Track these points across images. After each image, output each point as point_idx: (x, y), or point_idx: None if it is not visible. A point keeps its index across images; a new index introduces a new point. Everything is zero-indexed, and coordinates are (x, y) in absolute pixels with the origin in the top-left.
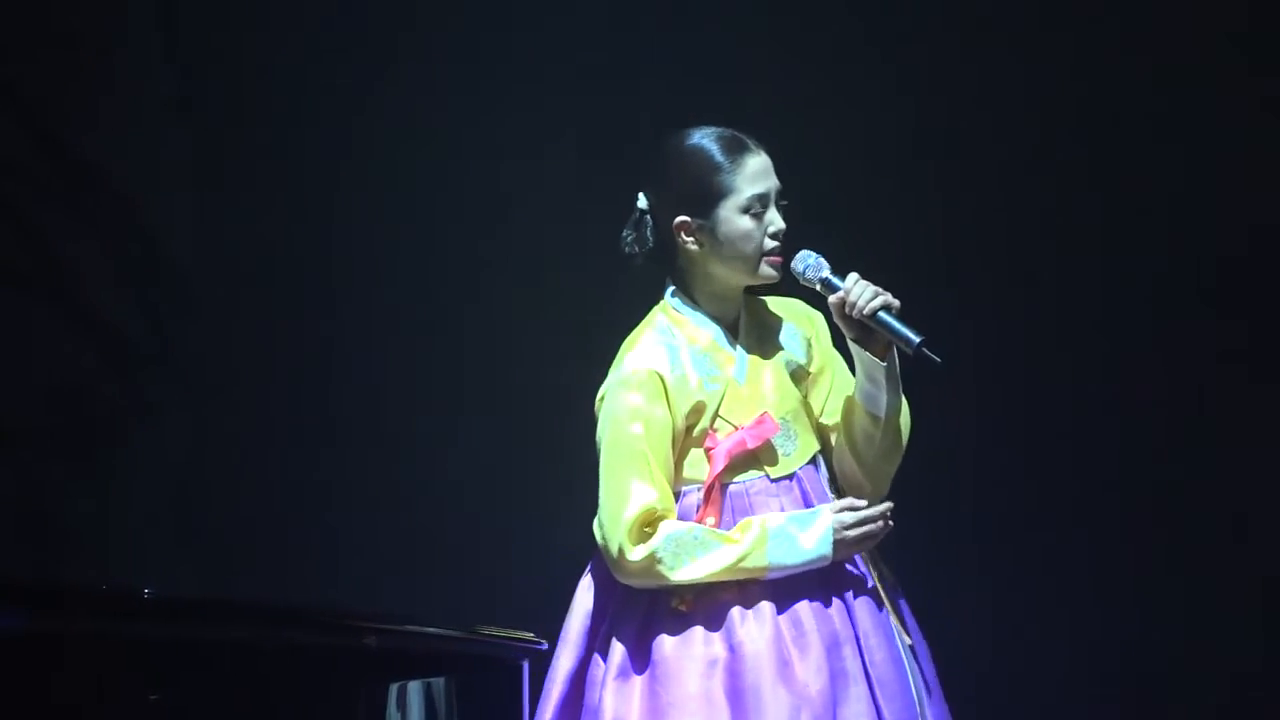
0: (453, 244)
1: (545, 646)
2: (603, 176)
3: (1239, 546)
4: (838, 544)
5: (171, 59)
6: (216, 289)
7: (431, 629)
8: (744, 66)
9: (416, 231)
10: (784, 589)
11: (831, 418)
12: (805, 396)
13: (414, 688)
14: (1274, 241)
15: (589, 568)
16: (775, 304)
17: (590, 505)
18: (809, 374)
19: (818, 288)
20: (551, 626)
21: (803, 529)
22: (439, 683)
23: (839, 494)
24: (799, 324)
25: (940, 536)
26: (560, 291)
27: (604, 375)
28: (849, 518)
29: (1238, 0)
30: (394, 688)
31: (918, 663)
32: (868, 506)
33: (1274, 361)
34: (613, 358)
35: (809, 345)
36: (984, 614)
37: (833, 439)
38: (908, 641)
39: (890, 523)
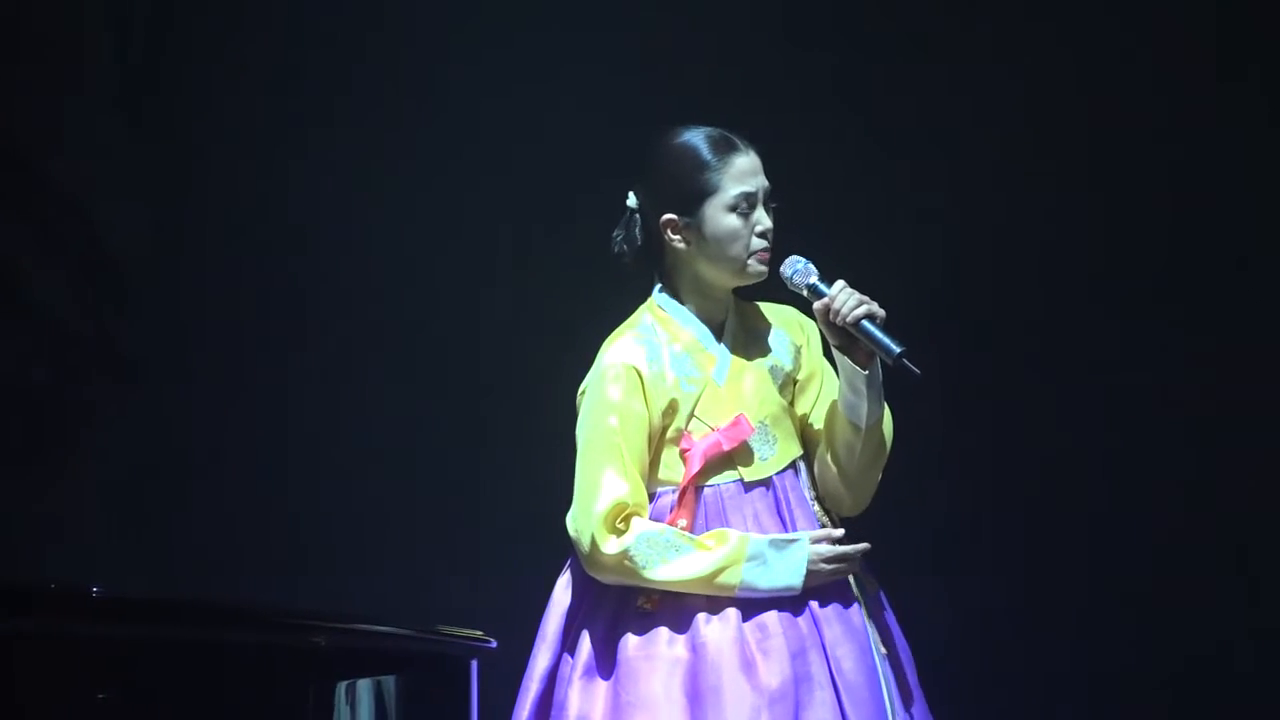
0: (407, 243)
1: (494, 645)
2: (585, 177)
3: (1206, 545)
4: (810, 574)
5: (121, 59)
6: (162, 288)
7: (379, 627)
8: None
9: (366, 231)
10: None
11: (816, 426)
12: (790, 403)
13: (362, 686)
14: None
15: (567, 566)
16: (767, 310)
17: (556, 507)
18: (795, 381)
19: (804, 293)
20: (514, 625)
21: (780, 555)
22: (387, 681)
23: (820, 504)
24: (789, 331)
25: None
26: (535, 293)
27: (582, 375)
28: (825, 550)
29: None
30: (342, 686)
31: (898, 671)
32: (845, 538)
33: (1242, 361)
34: (594, 356)
35: (798, 353)
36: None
37: (816, 448)
38: (883, 651)
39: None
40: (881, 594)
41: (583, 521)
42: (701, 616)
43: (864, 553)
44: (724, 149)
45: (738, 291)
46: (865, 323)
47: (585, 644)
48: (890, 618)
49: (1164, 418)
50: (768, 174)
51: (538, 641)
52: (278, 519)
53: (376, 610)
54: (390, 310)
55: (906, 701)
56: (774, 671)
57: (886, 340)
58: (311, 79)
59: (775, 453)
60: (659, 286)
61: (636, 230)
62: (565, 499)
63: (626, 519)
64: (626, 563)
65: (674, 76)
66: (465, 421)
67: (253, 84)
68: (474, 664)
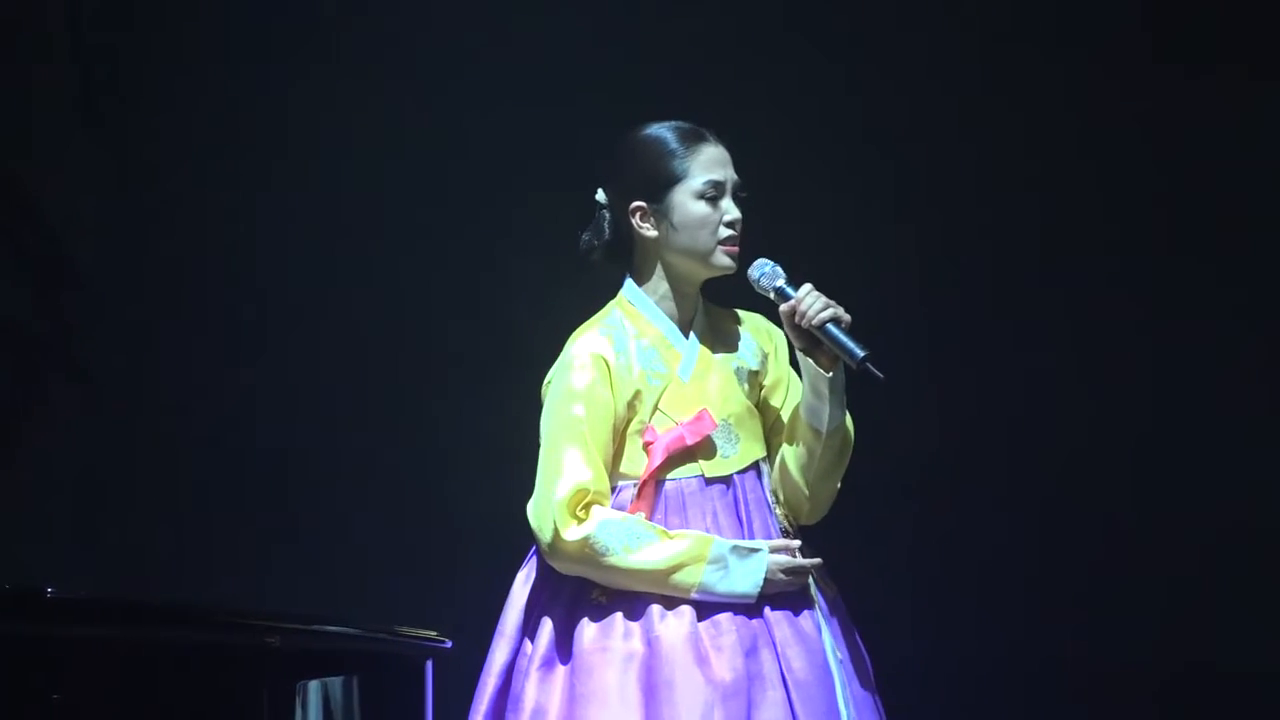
0: (365, 244)
1: (450, 645)
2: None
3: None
4: (766, 583)
5: (78, 58)
6: (118, 289)
7: (335, 628)
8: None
9: (321, 232)
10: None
11: (778, 433)
12: (755, 405)
13: (318, 687)
14: None
15: (526, 561)
16: (738, 315)
17: (514, 506)
18: (761, 385)
19: (771, 295)
20: (470, 626)
21: (741, 563)
22: (343, 682)
23: (782, 508)
24: (757, 336)
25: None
26: (494, 289)
27: (545, 369)
28: (783, 561)
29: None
30: (297, 687)
31: (854, 676)
32: (801, 551)
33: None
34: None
35: (764, 358)
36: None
37: (777, 453)
38: (839, 656)
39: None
40: (839, 599)
41: (544, 508)
42: (656, 611)
43: (818, 566)
44: (692, 139)
45: (708, 293)
46: (830, 326)
47: (542, 637)
48: (848, 623)
49: (1166, 417)
50: (739, 169)
51: (496, 636)
52: (232, 520)
53: (332, 611)
54: (346, 310)
55: (861, 706)
56: (727, 667)
57: (851, 344)
58: (271, 78)
59: (738, 451)
60: (628, 283)
61: (605, 225)
62: (523, 498)
63: (587, 506)
64: (588, 550)
65: (650, 76)
66: (424, 420)
67: (211, 84)
68: (429, 664)
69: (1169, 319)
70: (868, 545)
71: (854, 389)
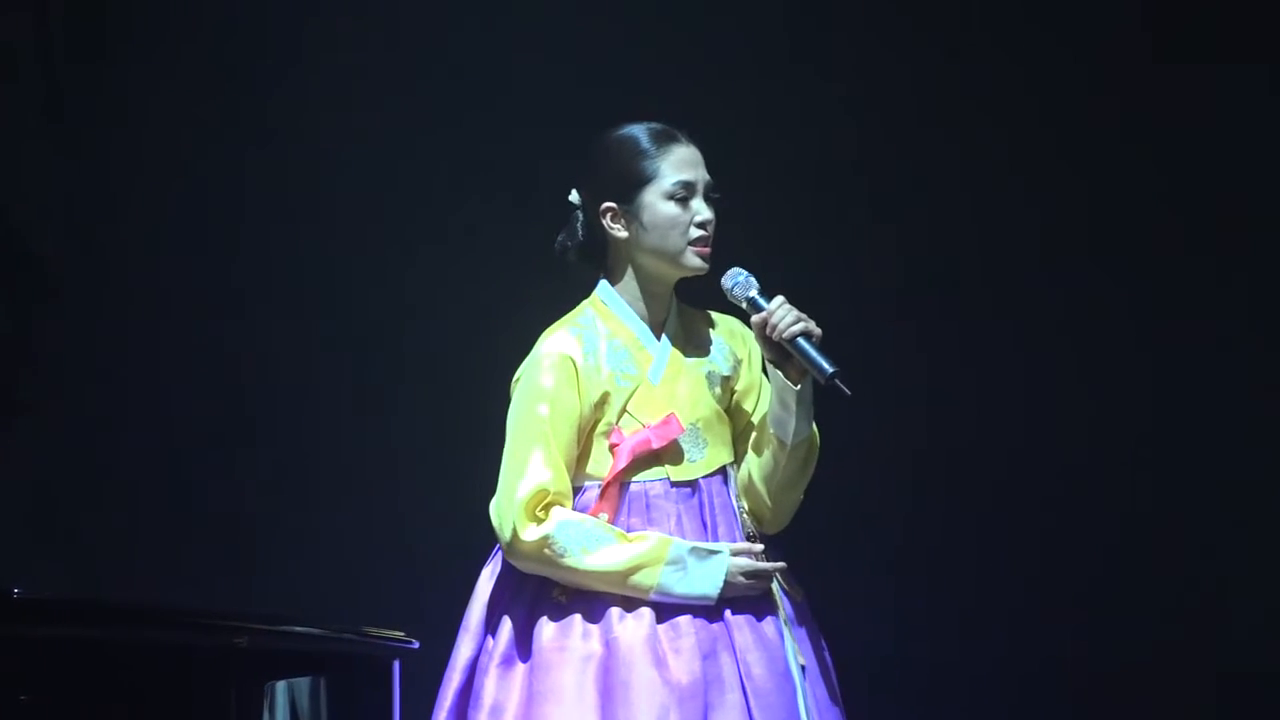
0: (330, 243)
1: (417, 645)
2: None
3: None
4: (727, 585)
5: (43, 58)
6: (82, 286)
7: (302, 628)
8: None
9: (283, 230)
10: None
11: (747, 439)
12: (726, 410)
13: (285, 687)
14: None
15: (491, 557)
16: (712, 317)
17: (481, 506)
18: (733, 390)
19: (744, 305)
20: (437, 626)
21: (700, 564)
22: (311, 682)
23: (747, 514)
24: (731, 341)
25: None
26: (463, 290)
27: (513, 368)
28: (745, 564)
29: None
30: (265, 687)
31: (818, 682)
32: (764, 555)
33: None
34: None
35: (738, 364)
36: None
37: (743, 460)
38: (802, 661)
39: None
40: (805, 604)
41: (504, 507)
42: (615, 612)
43: (781, 570)
44: (663, 139)
45: (682, 295)
46: (801, 340)
47: (503, 634)
48: (815, 630)
49: (1166, 417)
50: (712, 170)
51: (461, 632)
52: (198, 520)
53: (299, 611)
54: (313, 309)
55: (825, 714)
56: (684, 670)
57: (820, 359)
58: (238, 80)
59: (705, 456)
60: (601, 283)
61: (579, 226)
62: (491, 497)
63: (547, 507)
64: (546, 550)
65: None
66: (394, 421)
67: (177, 84)
68: (396, 665)
69: (1169, 319)
70: (867, 546)
71: (854, 389)
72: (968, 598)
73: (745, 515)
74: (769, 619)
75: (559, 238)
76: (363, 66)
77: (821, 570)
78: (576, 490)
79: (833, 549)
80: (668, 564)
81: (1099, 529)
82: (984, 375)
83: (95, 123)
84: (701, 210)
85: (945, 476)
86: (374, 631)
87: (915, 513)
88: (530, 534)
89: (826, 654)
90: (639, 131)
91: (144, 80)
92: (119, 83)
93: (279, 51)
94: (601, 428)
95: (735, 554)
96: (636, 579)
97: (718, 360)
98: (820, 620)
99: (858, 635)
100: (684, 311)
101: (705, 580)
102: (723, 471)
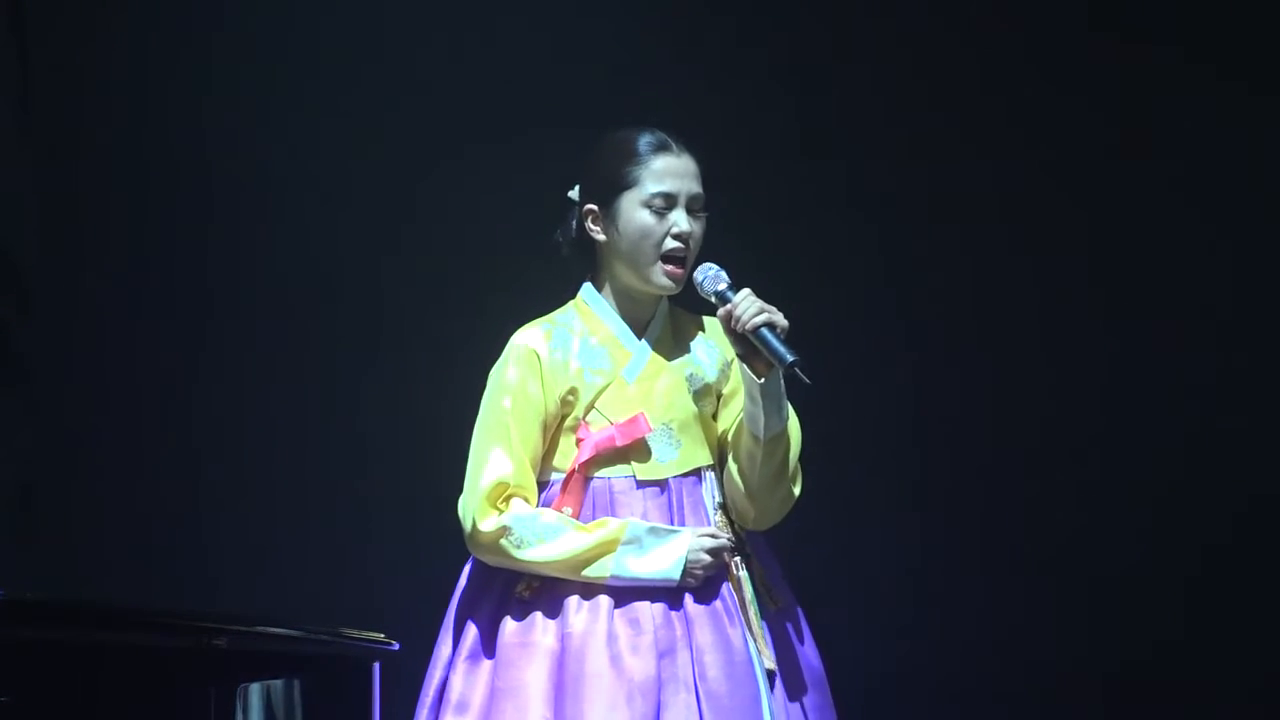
0: (306, 239)
1: (397, 647)
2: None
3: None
4: (689, 568)
5: (12, 46)
6: (57, 290)
7: (281, 630)
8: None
9: (257, 236)
10: (627, 590)
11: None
12: (708, 412)
13: (264, 689)
14: None
15: (470, 556)
16: (704, 321)
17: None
18: (719, 393)
19: (713, 299)
20: (418, 628)
21: (659, 544)
22: (290, 684)
23: (724, 513)
24: (721, 344)
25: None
26: (438, 287)
27: (488, 366)
28: (709, 544)
29: None
30: (243, 689)
31: (800, 688)
32: (728, 540)
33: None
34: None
35: (726, 366)
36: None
37: (727, 461)
38: (769, 666)
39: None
40: (790, 611)
41: (468, 499)
42: (573, 606)
43: (764, 577)
44: (654, 147)
45: (680, 297)
46: (764, 330)
47: (470, 630)
48: (796, 637)
49: (1166, 417)
50: (707, 184)
51: (442, 629)
52: (176, 521)
53: (278, 613)
54: (287, 307)
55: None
56: (640, 667)
57: (780, 348)
58: (214, 65)
59: (677, 456)
60: (586, 283)
61: (572, 222)
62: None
63: (508, 499)
64: (503, 541)
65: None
66: (378, 423)
67: (148, 73)
68: (376, 666)
69: (1168, 318)
70: (866, 546)
71: (853, 390)
72: (967, 598)
73: (719, 516)
74: (736, 622)
75: (556, 230)
76: (343, 66)
77: (818, 578)
78: (544, 485)
79: (831, 555)
80: (624, 543)
81: (1108, 535)
82: (984, 376)
83: (64, 107)
84: (680, 222)
85: (946, 478)
86: (353, 633)
87: (912, 519)
88: (487, 524)
89: (815, 661)
90: (632, 137)
91: (115, 63)
92: (88, 67)
93: (258, 51)
94: (569, 422)
95: (698, 535)
96: (594, 564)
97: (702, 363)
98: (813, 628)
99: (857, 645)
100: (675, 313)
101: (666, 562)
102: (698, 473)
